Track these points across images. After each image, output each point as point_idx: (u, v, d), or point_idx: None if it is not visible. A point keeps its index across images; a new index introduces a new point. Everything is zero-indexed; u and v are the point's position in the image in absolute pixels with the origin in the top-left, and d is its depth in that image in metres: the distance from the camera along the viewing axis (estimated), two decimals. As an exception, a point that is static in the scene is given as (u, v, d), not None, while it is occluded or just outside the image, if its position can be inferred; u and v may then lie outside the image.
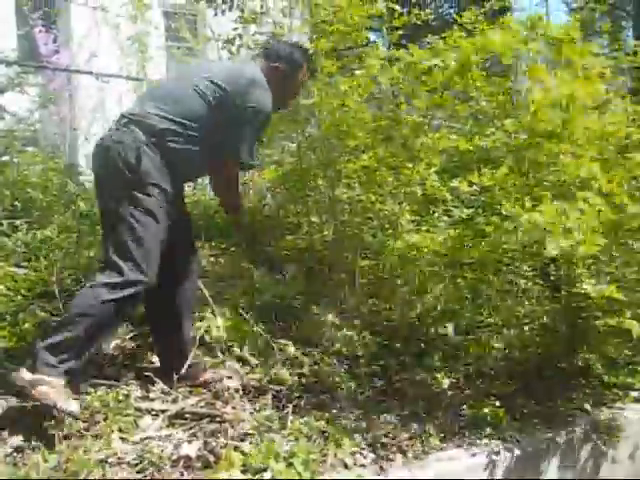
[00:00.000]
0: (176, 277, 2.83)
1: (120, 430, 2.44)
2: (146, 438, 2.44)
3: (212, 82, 2.69)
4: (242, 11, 4.24)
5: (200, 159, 2.73)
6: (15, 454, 2.27)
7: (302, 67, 2.98)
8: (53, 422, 2.36)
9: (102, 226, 2.72)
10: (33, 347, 2.45)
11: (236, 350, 3.22)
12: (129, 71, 5.87)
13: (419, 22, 4.22)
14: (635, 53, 4.59)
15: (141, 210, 2.53)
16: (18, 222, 4.05)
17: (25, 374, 2.34)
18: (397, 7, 4.03)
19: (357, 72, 3.54)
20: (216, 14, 4.46)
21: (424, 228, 3.71)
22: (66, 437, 2.38)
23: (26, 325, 3.18)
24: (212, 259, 4.24)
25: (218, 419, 2.62)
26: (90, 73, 5.79)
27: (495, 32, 3.03)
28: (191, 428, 2.56)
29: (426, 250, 3.37)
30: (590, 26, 5.67)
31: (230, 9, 4.32)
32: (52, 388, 2.32)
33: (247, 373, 3.08)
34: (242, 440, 2.48)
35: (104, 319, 2.48)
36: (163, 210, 2.59)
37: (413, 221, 3.85)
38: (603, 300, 2.75)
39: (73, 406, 2.37)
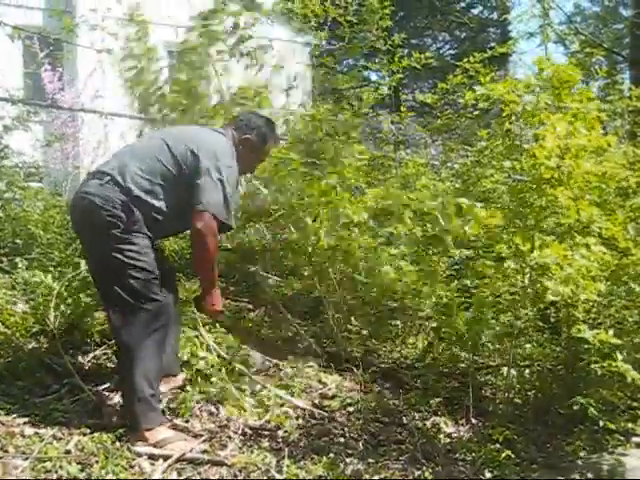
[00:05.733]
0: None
1: (115, 473, 2.40)
2: (142, 481, 2.41)
3: (185, 146, 2.88)
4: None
5: (175, 217, 2.88)
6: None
7: (270, 138, 3.21)
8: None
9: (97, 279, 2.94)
10: None
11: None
12: (132, 109, 5.92)
13: (420, 65, 4.29)
14: (631, 97, 4.66)
15: (135, 250, 2.75)
16: (18, 259, 4.05)
17: None
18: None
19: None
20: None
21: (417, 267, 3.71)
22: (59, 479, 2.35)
23: (23, 363, 3.17)
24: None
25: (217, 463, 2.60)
26: (94, 112, 5.85)
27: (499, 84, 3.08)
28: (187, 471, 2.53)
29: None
30: (588, 69, 5.75)
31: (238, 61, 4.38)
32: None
33: (243, 414, 3.06)
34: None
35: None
36: (150, 250, 2.82)
37: (412, 262, 3.84)
38: (602, 344, 2.73)
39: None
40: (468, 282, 3.29)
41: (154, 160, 2.85)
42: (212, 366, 3.28)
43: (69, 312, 3.41)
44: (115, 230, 2.72)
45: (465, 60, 5.25)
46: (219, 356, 3.41)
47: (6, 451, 2.53)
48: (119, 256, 2.73)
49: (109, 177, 2.80)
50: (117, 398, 3.04)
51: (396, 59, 4.55)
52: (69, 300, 3.45)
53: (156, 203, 2.81)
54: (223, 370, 3.28)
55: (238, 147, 3.05)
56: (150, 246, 2.82)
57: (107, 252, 2.74)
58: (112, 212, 2.73)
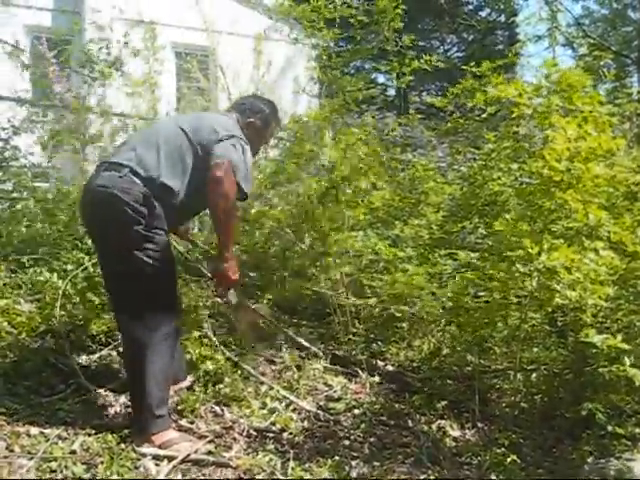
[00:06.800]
0: None
1: (120, 474, 2.40)
2: (146, 482, 2.41)
3: (201, 127, 2.88)
4: None
5: (194, 200, 2.84)
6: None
7: (272, 121, 3.22)
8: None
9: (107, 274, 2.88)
10: None
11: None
12: (140, 110, 5.94)
13: (427, 68, 4.29)
14: (639, 100, 4.64)
15: (155, 248, 2.70)
16: (24, 259, 4.06)
17: None
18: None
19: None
20: None
21: (424, 269, 3.71)
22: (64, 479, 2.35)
23: (29, 362, 3.17)
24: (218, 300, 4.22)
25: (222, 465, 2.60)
26: (101, 113, 5.86)
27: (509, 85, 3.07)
28: (192, 472, 2.53)
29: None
30: (596, 72, 5.73)
31: None
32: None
33: (248, 416, 3.06)
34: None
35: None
36: (169, 247, 2.82)
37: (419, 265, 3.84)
38: (609, 349, 2.72)
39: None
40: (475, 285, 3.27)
41: (172, 146, 2.80)
42: (220, 367, 3.28)
43: (75, 312, 3.42)
44: (137, 226, 2.65)
45: (473, 65, 5.25)
46: (227, 358, 3.42)
47: (12, 450, 2.54)
48: (139, 254, 2.66)
49: (127, 169, 2.72)
50: (123, 398, 3.05)
51: (407, 61, 4.54)
52: (75, 299, 3.46)
53: (177, 189, 2.76)
54: (230, 371, 3.29)
55: (243, 131, 3.02)
56: (169, 243, 2.81)
57: (127, 249, 2.67)
58: (134, 207, 2.65)
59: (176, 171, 2.77)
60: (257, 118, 3.11)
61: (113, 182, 2.69)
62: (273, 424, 3.00)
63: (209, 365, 3.30)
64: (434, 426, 3.15)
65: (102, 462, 2.49)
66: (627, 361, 2.70)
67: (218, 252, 2.87)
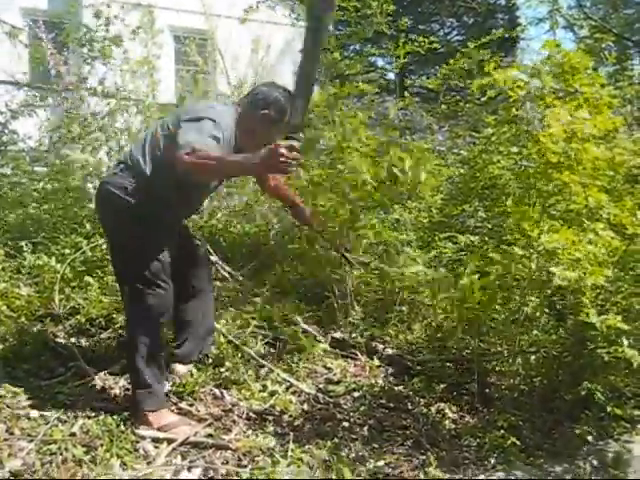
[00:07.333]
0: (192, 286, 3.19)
1: (119, 456, 2.41)
2: (146, 464, 2.42)
3: (176, 116, 2.91)
4: None
5: (184, 190, 2.88)
6: (12, 478, 2.25)
7: (288, 109, 3.03)
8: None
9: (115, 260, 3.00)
10: None
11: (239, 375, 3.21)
12: (138, 94, 5.89)
13: (425, 50, 4.27)
14: (641, 83, 4.62)
15: (143, 236, 2.80)
16: (23, 243, 4.05)
17: None
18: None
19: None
20: None
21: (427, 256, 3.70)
22: (64, 462, 2.36)
23: (28, 346, 3.18)
24: (217, 283, 4.23)
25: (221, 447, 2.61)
26: (102, 95, 5.81)
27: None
28: (191, 454, 2.53)
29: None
30: (597, 55, 5.69)
31: None
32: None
33: (248, 398, 3.06)
34: (243, 467, 2.46)
35: None
36: (162, 235, 2.86)
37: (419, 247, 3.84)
38: (609, 330, 2.72)
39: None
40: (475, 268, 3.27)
41: (155, 138, 2.89)
42: (222, 351, 3.29)
43: (73, 295, 3.42)
44: (126, 216, 2.82)
45: (471, 46, 5.23)
46: (229, 341, 3.42)
47: (12, 433, 2.55)
48: (129, 241, 2.82)
49: (123, 165, 2.91)
50: (122, 382, 3.05)
51: (400, 44, 4.53)
52: (74, 283, 3.46)
53: (162, 181, 2.80)
54: (232, 355, 3.29)
55: (258, 123, 2.95)
56: (162, 231, 2.85)
57: (119, 237, 2.89)
58: (123, 198, 2.80)
59: (155, 163, 2.83)
60: (271, 109, 2.95)
61: (111, 178, 2.92)
62: (273, 407, 3.01)
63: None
64: (433, 409, 3.16)
65: (102, 444, 2.50)
66: (625, 342, 2.70)
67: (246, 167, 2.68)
